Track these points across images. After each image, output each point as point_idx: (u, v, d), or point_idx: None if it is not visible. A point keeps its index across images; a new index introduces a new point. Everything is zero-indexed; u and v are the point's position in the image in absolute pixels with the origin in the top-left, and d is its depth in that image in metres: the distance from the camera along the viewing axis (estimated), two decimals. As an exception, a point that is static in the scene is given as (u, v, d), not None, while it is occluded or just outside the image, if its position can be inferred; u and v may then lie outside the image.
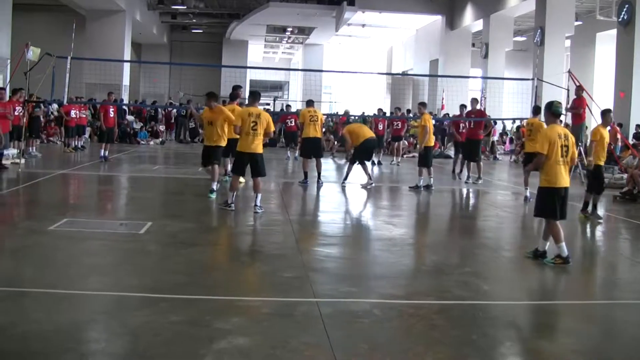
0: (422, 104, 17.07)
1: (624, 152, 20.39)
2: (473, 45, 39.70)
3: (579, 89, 17.24)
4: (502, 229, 12.04)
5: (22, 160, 17.35)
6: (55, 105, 25.60)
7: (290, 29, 46.47)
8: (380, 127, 24.42)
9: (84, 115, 24.64)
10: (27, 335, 5.34)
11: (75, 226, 9.87)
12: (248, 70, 48.77)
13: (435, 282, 7.72)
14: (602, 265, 9.54)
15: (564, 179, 8.59)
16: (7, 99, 18.13)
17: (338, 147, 27.42)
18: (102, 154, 20.04)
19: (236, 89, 16.11)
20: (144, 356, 5.11)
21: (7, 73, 19.69)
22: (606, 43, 31.90)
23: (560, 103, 9.05)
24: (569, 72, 17.95)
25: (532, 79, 19.14)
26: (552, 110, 8.84)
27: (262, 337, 5.56)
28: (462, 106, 19.05)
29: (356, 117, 25.42)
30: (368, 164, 16.85)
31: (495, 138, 29.28)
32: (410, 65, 47.36)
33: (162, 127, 33.22)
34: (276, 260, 8.44)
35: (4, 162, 16.63)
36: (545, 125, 14.59)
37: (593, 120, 20.37)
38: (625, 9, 22.72)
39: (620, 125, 22.32)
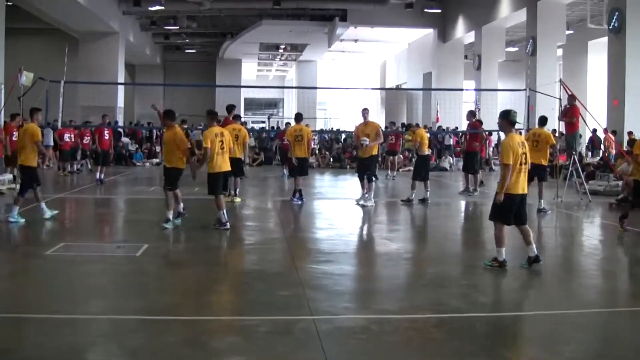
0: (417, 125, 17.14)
1: (619, 159, 20.44)
2: (466, 57, 39.87)
3: (571, 98, 17.29)
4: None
5: (18, 186, 17.29)
6: (49, 130, 25.59)
7: (283, 46, 46.64)
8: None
9: (86, 142, 24.54)
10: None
11: (72, 250, 9.87)
12: (242, 88, 48.93)
13: (432, 295, 7.70)
14: (601, 272, 9.54)
15: (521, 186, 8.76)
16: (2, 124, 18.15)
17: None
18: (97, 176, 20.04)
19: (230, 108, 16.17)
20: (141, 379, 5.11)
21: (0, 98, 19.69)
22: (598, 51, 32.07)
23: (516, 112, 9.07)
24: (561, 81, 17.99)
25: (525, 89, 19.20)
26: (510, 119, 8.88)
27: (259, 356, 5.55)
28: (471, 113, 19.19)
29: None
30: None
31: (491, 149, 29.33)
32: (404, 79, 47.51)
33: (158, 148, 33.25)
34: (273, 278, 8.44)
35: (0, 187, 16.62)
36: (551, 135, 14.67)
37: (587, 129, 20.49)
38: (615, 17, 22.83)
39: (614, 132, 22.40)
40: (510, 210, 8.69)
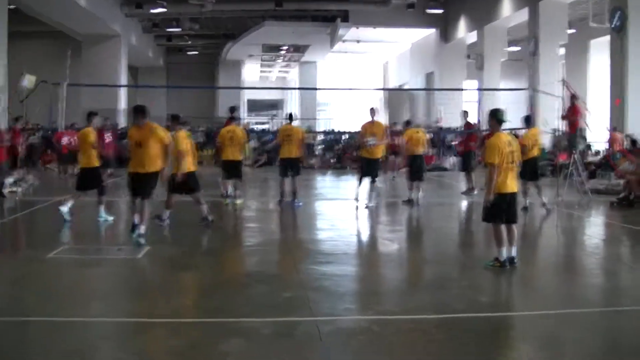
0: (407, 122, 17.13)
1: (621, 158, 20.42)
2: (468, 57, 39.79)
3: (573, 97, 17.28)
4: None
5: (20, 189, 17.37)
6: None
7: (285, 48, 46.61)
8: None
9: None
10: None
11: (74, 253, 9.91)
12: (245, 90, 48.97)
13: (434, 296, 7.72)
14: (602, 271, 9.54)
15: (511, 185, 8.76)
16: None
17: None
18: (100, 179, 20.02)
19: (232, 109, 16.14)
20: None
21: (4, 101, 19.76)
22: (600, 50, 32.01)
23: (504, 110, 9.09)
24: (564, 80, 17.98)
25: (527, 89, 19.20)
26: (497, 118, 8.89)
27: (261, 358, 5.57)
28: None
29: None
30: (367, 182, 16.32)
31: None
32: (406, 79, 47.46)
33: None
34: (274, 280, 8.47)
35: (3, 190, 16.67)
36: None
37: (587, 128, 20.46)
38: (617, 16, 22.78)
39: (617, 130, 22.34)
40: (501, 209, 8.69)
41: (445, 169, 28.33)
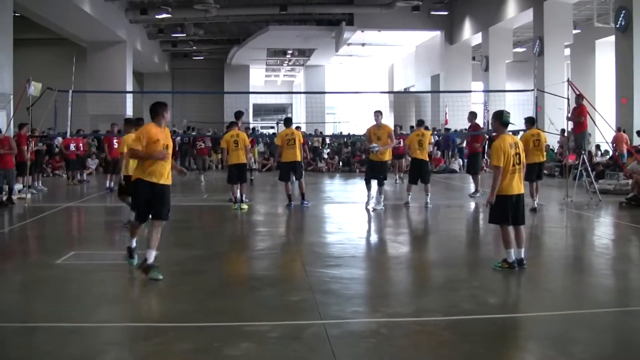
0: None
1: (629, 158, 20.40)
2: (473, 58, 39.82)
3: (579, 97, 17.26)
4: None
5: (29, 195, 17.43)
6: (60, 139, 25.74)
7: (290, 52, 46.67)
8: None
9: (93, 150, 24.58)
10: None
11: (82, 259, 9.91)
12: (251, 94, 48.99)
13: (442, 297, 7.70)
14: (612, 271, 9.50)
15: (517, 187, 8.75)
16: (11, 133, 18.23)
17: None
18: (107, 185, 20.11)
19: (238, 115, 16.16)
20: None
21: (10, 109, 19.82)
22: (606, 50, 32.00)
23: (509, 112, 9.05)
24: (569, 80, 17.95)
25: (533, 90, 19.15)
26: (502, 120, 8.86)
27: (270, 362, 5.57)
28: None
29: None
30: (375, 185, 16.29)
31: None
32: (412, 81, 47.48)
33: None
34: (283, 283, 8.46)
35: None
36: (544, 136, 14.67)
37: (596, 128, 20.41)
38: (622, 15, 22.78)
39: (623, 131, 22.31)
40: (506, 210, 8.68)
41: (454, 171, 28.31)
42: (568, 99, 17.83)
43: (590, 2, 29.25)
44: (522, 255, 8.80)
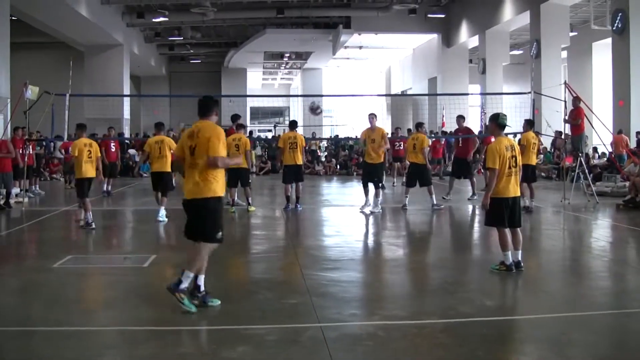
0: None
1: (627, 160, 20.42)
2: (470, 61, 39.83)
3: (576, 100, 17.28)
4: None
5: (26, 199, 17.41)
6: (59, 143, 25.71)
7: (287, 55, 46.70)
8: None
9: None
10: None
11: (80, 262, 9.91)
12: (248, 97, 48.98)
13: (440, 300, 7.70)
14: (609, 274, 9.50)
15: (513, 190, 8.75)
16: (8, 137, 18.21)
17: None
18: (104, 188, 20.08)
19: (234, 118, 16.17)
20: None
21: (7, 113, 19.80)
22: (602, 52, 32.01)
23: (505, 115, 9.08)
24: (565, 83, 17.97)
25: (530, 92, 19.17)
26: (498, 123, 8.87)
27: (268, 365, 5.57)
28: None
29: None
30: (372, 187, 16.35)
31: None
32: (409, 84, 47.50)
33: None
34: (280, 286, 8.46)
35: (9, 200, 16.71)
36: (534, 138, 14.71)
37: (593, 130, 20.45)
38: (619, 17, 22.80)
39: (620, 131, 22.33)
40: (502, 213, 8.69)
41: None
42: (565, 101, 17.85)
43: (587, 5, 29.29)
44: (519, 258, 8.80)
